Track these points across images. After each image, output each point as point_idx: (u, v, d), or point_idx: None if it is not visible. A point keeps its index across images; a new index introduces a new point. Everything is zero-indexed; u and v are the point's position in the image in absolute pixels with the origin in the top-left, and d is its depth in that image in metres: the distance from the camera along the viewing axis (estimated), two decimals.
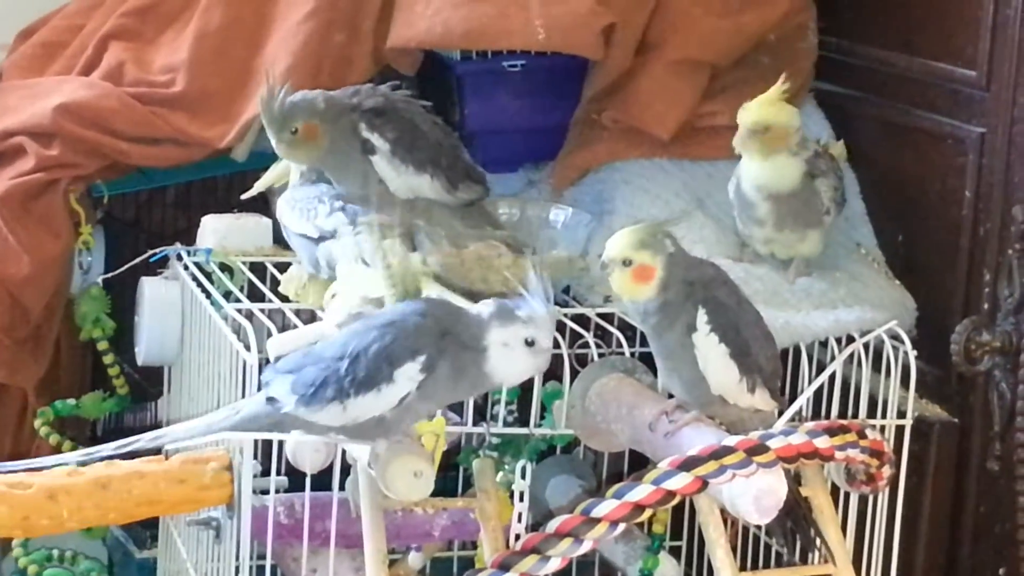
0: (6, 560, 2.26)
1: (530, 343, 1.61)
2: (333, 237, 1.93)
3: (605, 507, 1.55)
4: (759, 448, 1.60)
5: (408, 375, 1.60)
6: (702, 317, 1.72)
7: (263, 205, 2.23)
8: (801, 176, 2.04)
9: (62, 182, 2.21)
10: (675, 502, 1.59)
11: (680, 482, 1.57)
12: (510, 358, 1.61)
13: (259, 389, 1.69)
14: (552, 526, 1.55)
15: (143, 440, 1.66)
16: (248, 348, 1.78)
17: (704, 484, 1.58)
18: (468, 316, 1.62)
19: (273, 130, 1.95)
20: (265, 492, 1.84)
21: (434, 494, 1.67)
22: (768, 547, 2.03)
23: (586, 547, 1.56)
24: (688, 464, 1.58)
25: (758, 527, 2.00)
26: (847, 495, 1.90)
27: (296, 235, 1.99)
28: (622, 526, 1.57)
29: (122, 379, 2.27)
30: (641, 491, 1.56)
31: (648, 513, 1.58)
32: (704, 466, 1.58)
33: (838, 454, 1.69)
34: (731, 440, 1.60)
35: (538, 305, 1.61)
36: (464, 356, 1.61)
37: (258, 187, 2.13)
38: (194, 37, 2.25)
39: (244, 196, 2.16)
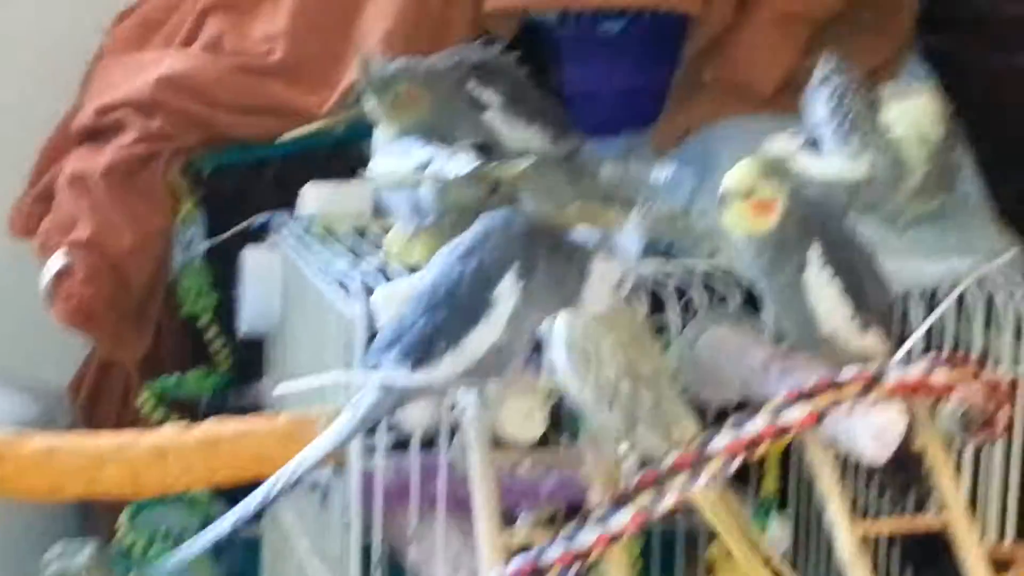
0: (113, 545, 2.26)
1: (619, 283, 1.59)
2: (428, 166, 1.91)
3: (720, 441, 1.53)
4: (876, 380, 1.57)
5: (508, 288, 1.55)
6: (815, 252, 1.68)
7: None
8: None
9: (163, 155, 2.22)
10: (791, 437, 1.56)
11: (796, 415, 1.54)
12: (601, 291, 1.59)
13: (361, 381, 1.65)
14: (667, 462, 1.53)
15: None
16: (351, 307, 1.77)
17: (820, 417, 1.56)
18: (573, 237, 1.59)
19: (375, 94, 1.94)
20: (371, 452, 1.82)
21: None
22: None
23: (701, 482, 1.53)
24: (803, 397, 1.55)
25: (868, 481, 1.96)
26: (960, 454, 1.86)
27: (392, 183, 1.97)
28: (737, 463, 1.54)
29: (224, 353, 2.28)
30: (756, 425, 1.54)
31: (763, 449, 1.55)
32: (820, 398, 1.55)
33: (955, 390, 1.65)
34: (847, 372, 1.57)
35: (635, 248, 1.59)
36: (567, 268, 1.57)
37: (294, 134, 2.15)
38: (292, 6, 2.26)
39: (280, 139, 2.16)
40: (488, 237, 1.58)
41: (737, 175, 1.66)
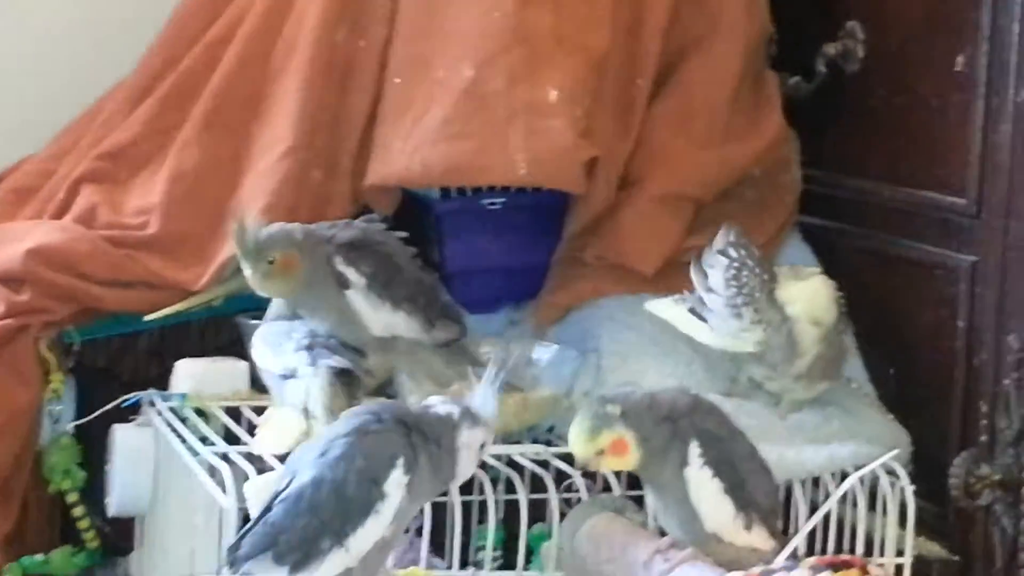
0: None
1: (483, 446, 1.62)
2: (294, 376, 1.89)
3: None
4: None
5: (397, 483, 1.56)
6: (694, 451, 1.67)
7: (239, 350, 2.19)
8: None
9: (32, 328, 2.15)
10: None
11: None
12: (469, 459, 1.61)
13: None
14: None
15: None
16: (225, 493, 1.73)
17: None
18: (435, 415, 1.61)
19: (249, 261, 1.91)
20: None
21: None
22: None
23: None
24: None
25: None
26: None
27: (266, 371, 1.94)
28: None
29: (92, 532, 2.20)
30: None
31: None
32: None
33: None
34: None
35: (492, 407, 1.62)
36: (439, 454, 1.59)
37: (162, 313, 2.14)
38: (168, 178, 2.22)
39: (147, 318, 2.15)
40: (364, 435, 1.57)
41: (575, 449, 1.69)
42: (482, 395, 1.63)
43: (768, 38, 2.31)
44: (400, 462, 1.56)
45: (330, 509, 1.54)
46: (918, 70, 2.11)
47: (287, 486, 1.57)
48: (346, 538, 1.55)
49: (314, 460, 1.57)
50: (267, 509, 1.57)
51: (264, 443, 1.88)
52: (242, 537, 1.57)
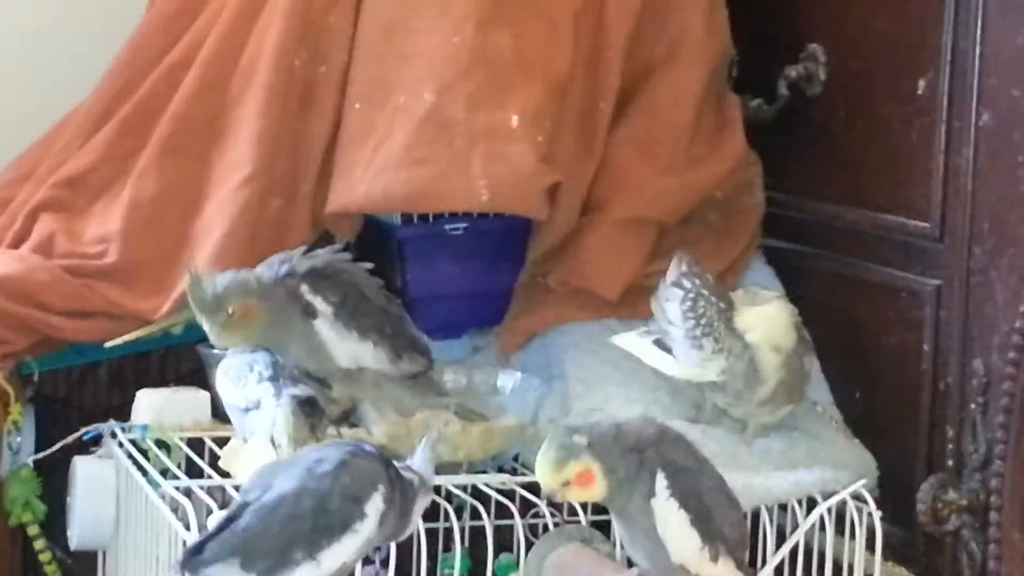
0: None
1: None
2: (258, 408, 1.88)
3: None
4: None
5: (376, 507, 1.58)
6: (661, 482, 1.66)
7: (201, 379, 2.17)
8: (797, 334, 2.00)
9: None
10: None
11: None
12: (417, 520, 1.66)
13: None
14: None
15: None
16: (188, 527, 1.71)
17: None
18: (406, 475, 1.63)
19: (206, 315, 1.89)
20: None
21: None
22: None
23: None
24: None
25: None
26: None
27: (228, 405, 1.93)
28: None
29: (54, 566, 2.19)
30: None
31: None
32: None
33: None
34: None
35: (432, 474, 1.66)
36: (405, 502, 1.62)
37: (122, 340, 2.13)
38: (127, 206, 2.19)
39: (107, 344, 2.13)
40: (352, 456, 1.59)
41: (541, 479, 1.67)
42: (421, 460, 1.66)
43: (730, 60, 2.31)
44: (381, 488, 1.58)
45: (309, 520, 1.55)
46: (880, 93, 2.11)
47: (257, 498, 1.57)
48: (320, 552, 1.55)
49: (298, 473, 1.58)
50: (233, 518, 1.57)
51: (232, 469, 1.87)
52: (202, 544, 1.56)
